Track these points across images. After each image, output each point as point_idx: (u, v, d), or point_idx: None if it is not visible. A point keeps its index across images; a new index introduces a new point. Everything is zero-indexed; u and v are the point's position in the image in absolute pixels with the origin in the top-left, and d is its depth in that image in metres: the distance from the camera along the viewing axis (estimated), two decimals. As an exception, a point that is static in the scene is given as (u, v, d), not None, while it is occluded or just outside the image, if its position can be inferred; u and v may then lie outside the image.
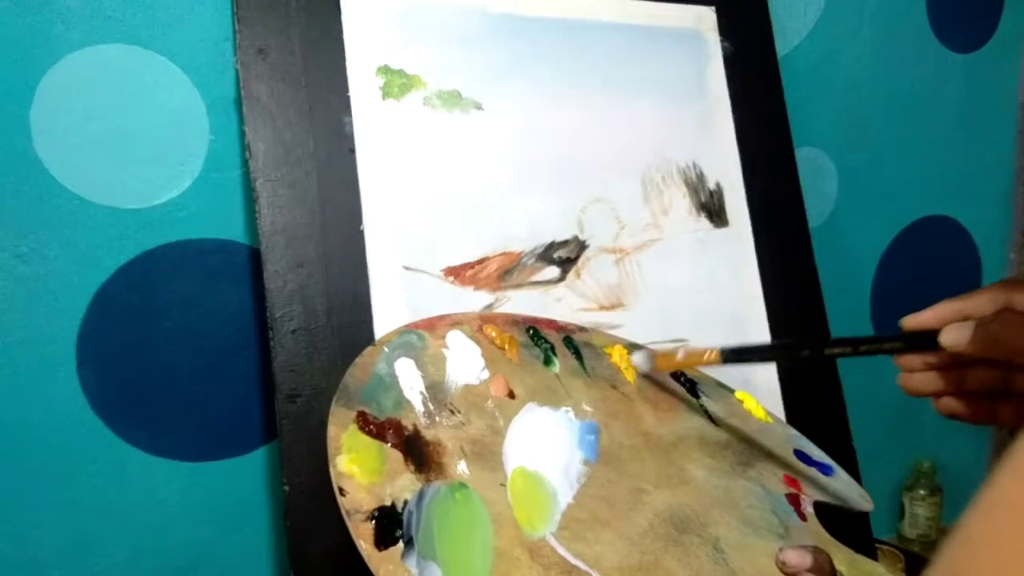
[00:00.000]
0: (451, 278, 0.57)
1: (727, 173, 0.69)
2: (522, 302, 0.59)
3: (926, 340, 0.44)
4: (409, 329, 0.50)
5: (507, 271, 0.59)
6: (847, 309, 0.87)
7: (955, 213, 0.95)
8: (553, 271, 0.61)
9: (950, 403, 0.46)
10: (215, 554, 0.62)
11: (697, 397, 0.57)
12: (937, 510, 0.88)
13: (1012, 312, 0.41)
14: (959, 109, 0.92)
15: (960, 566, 0.21)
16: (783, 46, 0.78)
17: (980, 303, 0.43)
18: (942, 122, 0.92)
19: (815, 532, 0.50)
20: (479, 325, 0.52)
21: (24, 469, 0.56)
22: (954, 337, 0.42)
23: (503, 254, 0.60)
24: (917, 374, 0.46)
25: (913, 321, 0.46)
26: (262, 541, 0.63)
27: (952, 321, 0.43)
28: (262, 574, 0.63)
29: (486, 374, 0.49)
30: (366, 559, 0.38)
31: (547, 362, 0.53)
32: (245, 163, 0.57)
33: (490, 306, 0.58)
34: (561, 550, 0.42)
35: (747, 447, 0.54)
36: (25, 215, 0.55)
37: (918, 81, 0.90)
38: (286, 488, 0.50)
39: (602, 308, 0.62)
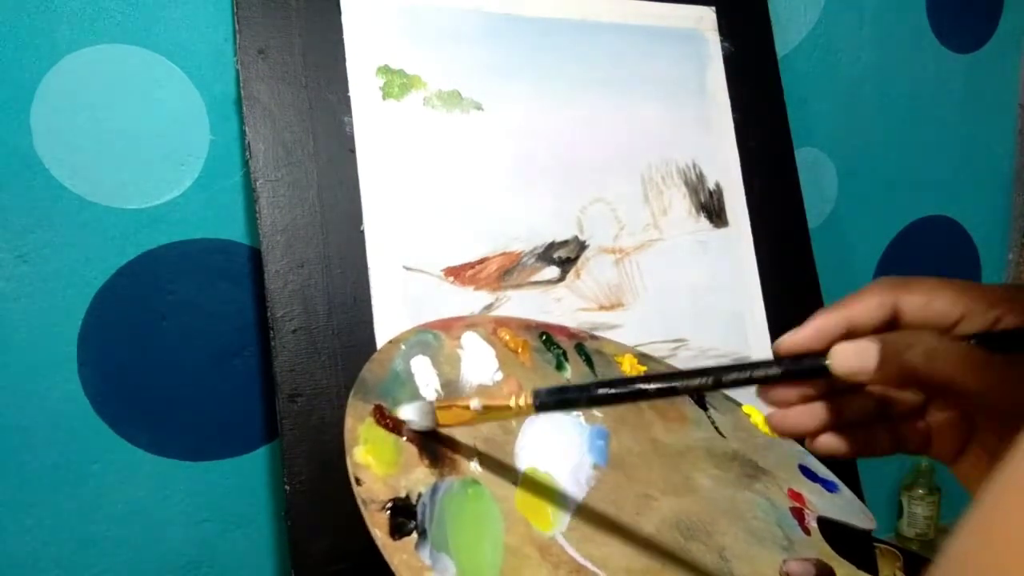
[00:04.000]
0: (451, 278, 0.57)
1: (727, 173, 0.69)
2: (522, 302, 0.59)
3: (808, 366, 0.34)
4: (425, 328, 0.50)
5: (507, 271, 0.59)
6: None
7: (954, 213, 0.95)
8: (553, 271, 0.61)
9: (829, 441, 0.35)
10: (216, 553, 0.62)
11: (705, 409, 0.57)
12: (935, 509, 0.88)
13: (930, 334, 0.32)
14: (959, 109, 0.93)
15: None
16: (783, 46, 0.78)
17: (866, 310, 0.34)
18: (942, 122, 0.92)
19: (819, 546, 0.50)
20: (494, 328, 0.52)
21: (25, 469, 0.56)
22: (853, 363, 0.32)
23: (503, 254, 0.60)
24: (794, 410, 0.35)
25: (790, 342, 0.35)
26: (263, 540, 0.63)
27: (839, 337, 0.34)
28: (263, 573, 0.64)
29: (499, 375, 0.50)
30: (380, 548, 0.38)
31: (559, 367, 0.53)
32: (245, 163, 0.57)
33: (490, 306, 0.58)
34: (570, 550, 0.42)
35: (753, 460, 0.55)
36: (25, 215, 0.55)
37: (918, 81, 0.90)
38: (287, 488, 0.50)
39: (601, 308, 0.62)
